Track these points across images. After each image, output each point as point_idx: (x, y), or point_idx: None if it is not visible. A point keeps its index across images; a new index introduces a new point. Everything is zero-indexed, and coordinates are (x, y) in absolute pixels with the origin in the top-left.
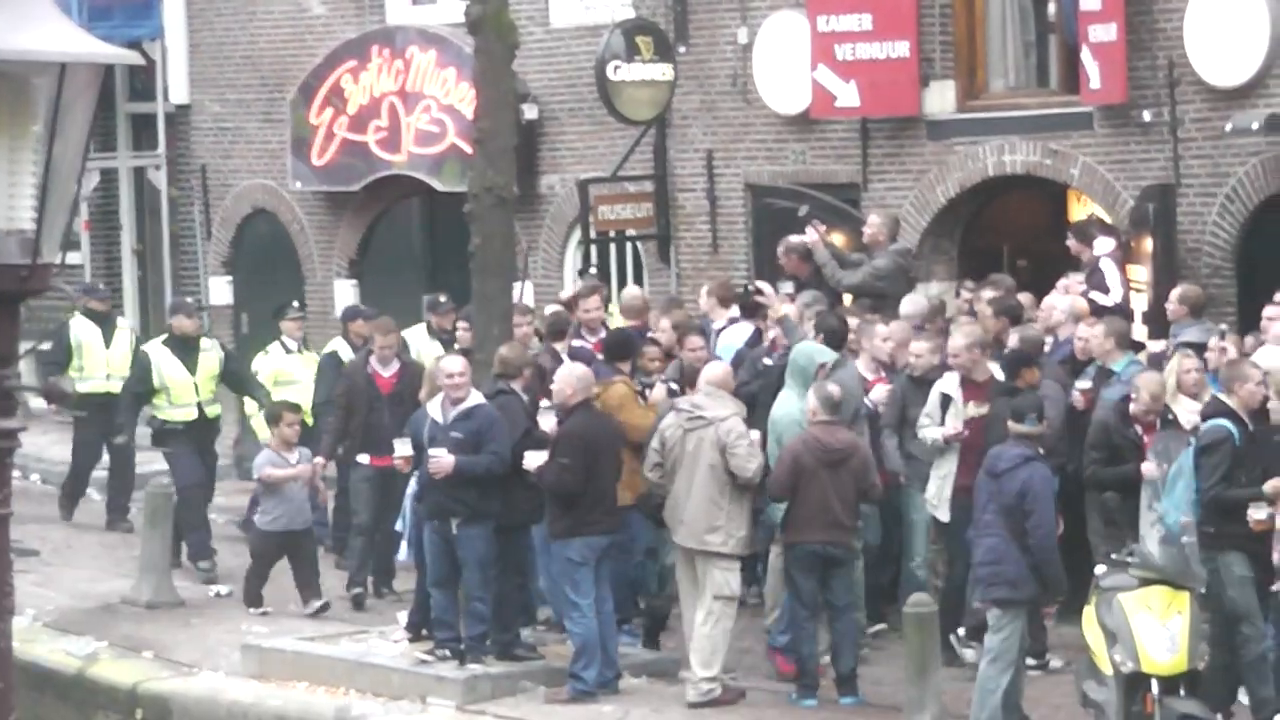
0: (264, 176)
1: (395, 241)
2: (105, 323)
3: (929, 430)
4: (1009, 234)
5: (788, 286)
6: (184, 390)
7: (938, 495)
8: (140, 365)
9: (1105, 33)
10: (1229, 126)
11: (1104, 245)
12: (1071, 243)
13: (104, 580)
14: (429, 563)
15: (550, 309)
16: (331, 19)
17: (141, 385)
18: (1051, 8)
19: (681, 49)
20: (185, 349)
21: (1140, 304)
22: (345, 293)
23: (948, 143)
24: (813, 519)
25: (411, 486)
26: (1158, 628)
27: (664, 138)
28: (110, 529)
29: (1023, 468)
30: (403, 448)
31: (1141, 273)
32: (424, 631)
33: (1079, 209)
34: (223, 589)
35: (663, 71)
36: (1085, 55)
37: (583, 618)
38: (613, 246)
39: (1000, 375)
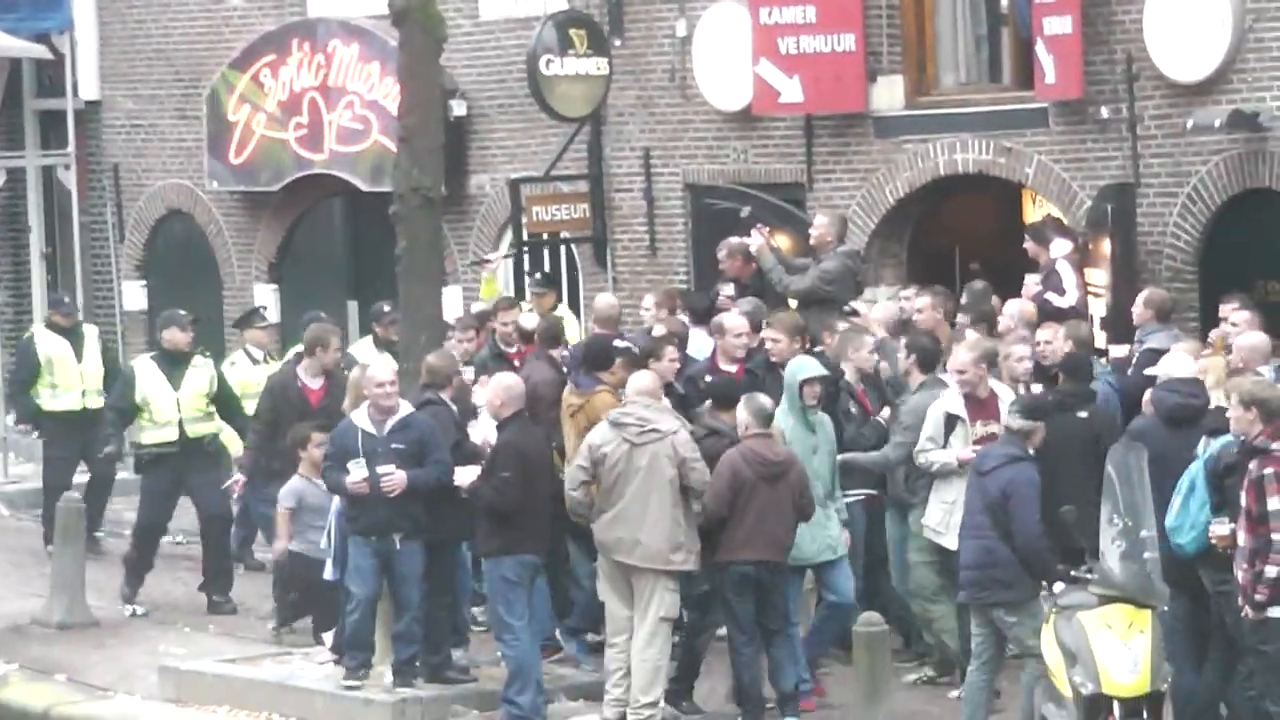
0: (179, 176)
1: (317, 244)
2: (72, 336)
3: (936, 454)
4: (961, 236)
5: (729, 289)
6: (165, 408)
7: (943, 522)
8: (124, 381)
9: (1061, 25)
10: (1190, 123)
11: (1061, 247)
12: (1029, 245)
13: (13, 600)
14: (362, 581)
15: (525, 317)
16: (249, 11)
17: (124, 401)
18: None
19: (617, 42)
20: (173, 364)
21: (1099, 309)
22: (265, 297)
23: (896, 140)
24: (751, 537)
25: (335, 502)
26: (1119, 647)
27: (599, 135)
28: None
29: (1007, 467)
30: (358, 470)
31: (1100, 276)
32: None
33: (1034, 210)
34: (139, 608)
35: (597, 66)
36: (1040, 49)
37: (516, 640)
38: (546, 249)
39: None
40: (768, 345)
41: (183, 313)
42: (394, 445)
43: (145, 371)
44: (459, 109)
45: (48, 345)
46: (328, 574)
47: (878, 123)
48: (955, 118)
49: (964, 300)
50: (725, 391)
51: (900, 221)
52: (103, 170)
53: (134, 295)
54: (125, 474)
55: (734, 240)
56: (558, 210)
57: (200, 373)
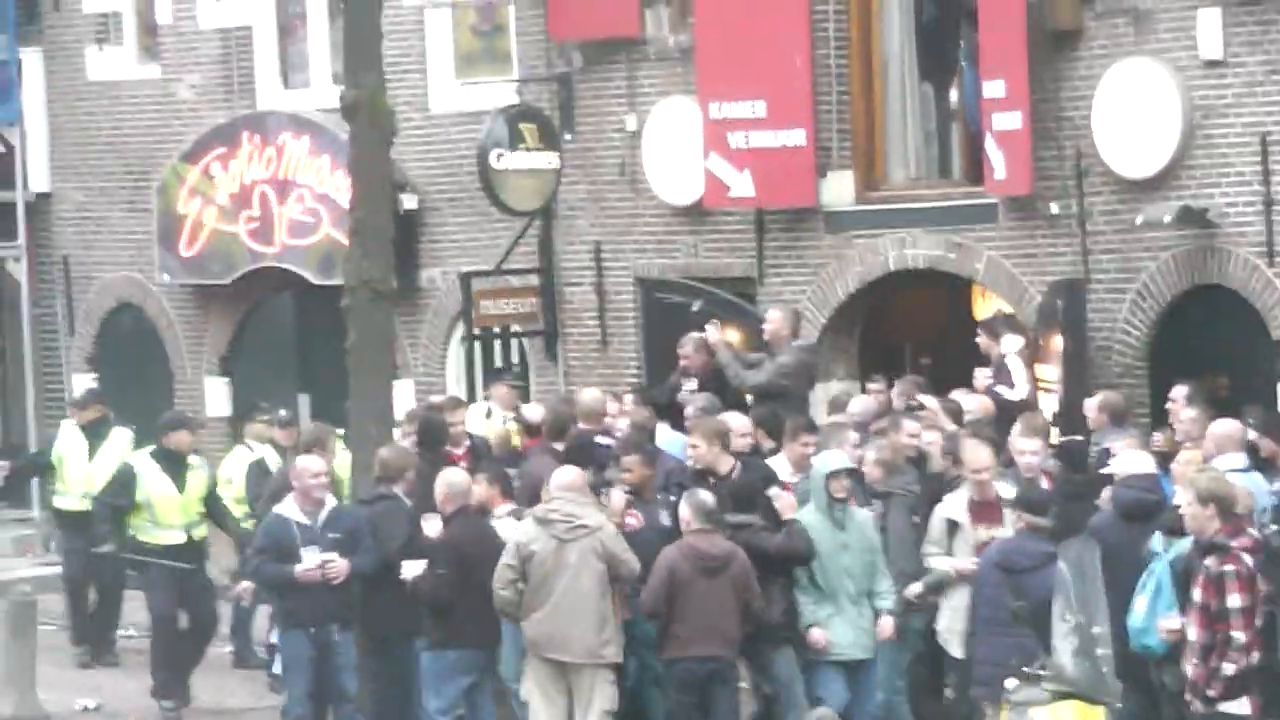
0: (129, 268)
1: (268, 337)
2: (96, 434)
3: (938, 561)
4: (911, 330)
5: (691, 384)
6: (171, 511)
7: (949, 629)
8: (122, 477)
9: (1010, 121)
10: (1140, 219)
11: (1012, 343)
12: (981, 339)
13: None
14: (300, 675)
15: (521, 409)
16: (199, 103)
17: (121, 499)
18: (954, 95)
19: (567, 136)
20: (175, 465)
21: (1050, 404)
22: (216, 391)
23: (847, 235)
24: (695, 632)
25: None
26: None
27: (549, 229)
28: (97, 662)
29: (1049, 567)
30: (312, 557)
31: (1050, 371)
32: None
33: (984, 304)
34: (90, 702)
35: (548, 160)
36: (989, 144)
37: None
38: (497, 343)
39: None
40: (688, 452)
41: (191, 415)
42: (330, 535)
43: (147, 471)
44: (409, 202)
45: (63, 442)
46: (276, 667)
47: (828, 217)
48: (905, 213)
49: (895, 393)
50: (746, 493)
51: (851, 316)
52: (53, 262)
53: (84, 388)
54: None
55: (696, 335)
56: (507, 304)
57: (199, 474)
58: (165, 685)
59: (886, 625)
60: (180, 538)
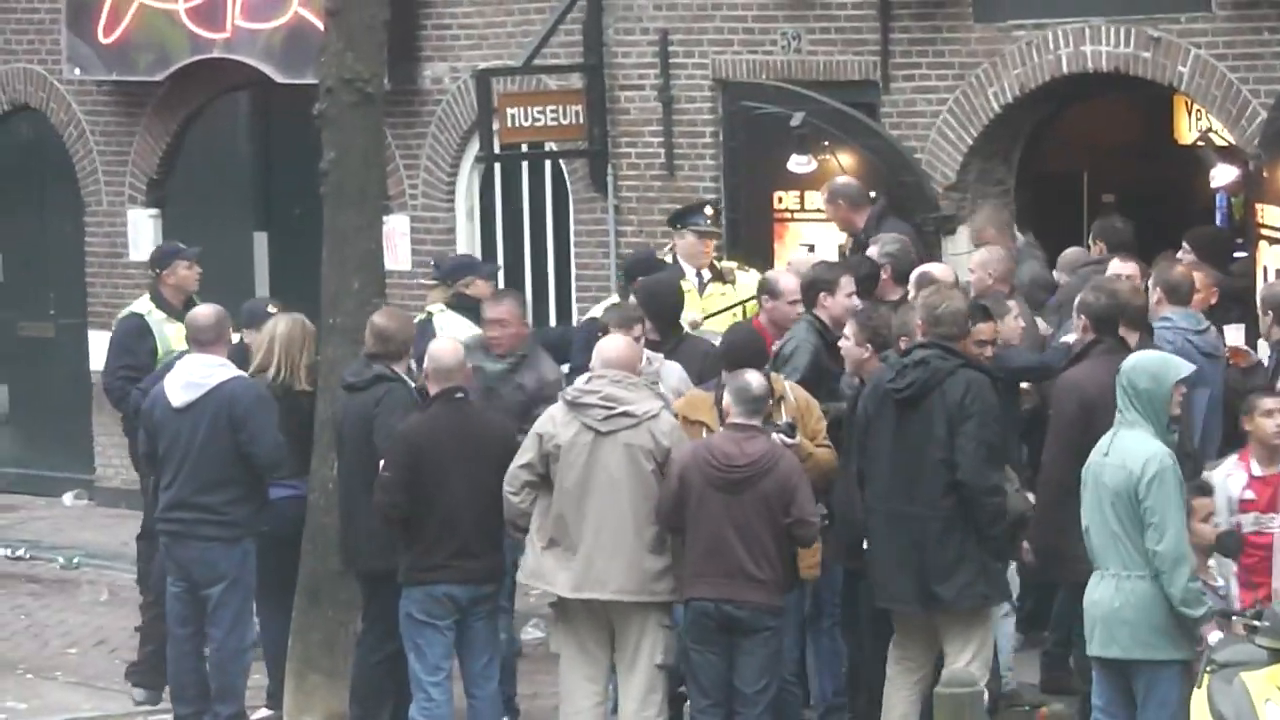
0: (27, 59)
1: (214, 155)
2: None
3: None
4: (1089, 157)
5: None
6: None
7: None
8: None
9: None
10: None
11: (1224, 174)
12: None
13: None
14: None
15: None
16: None
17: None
18: None
19: None
20: None
21: (1274, 259)
22: (143, 226)
23: (1003, 26)
24: (706, 565)
25: None
26: None
27: (599, 13)
28: None
29: None
30: None
31: (1277, 215)
32: None
33: (1189, 122)
34: None
35: None
36: None
37: (429, 701)
38: (525, 166)
39: None
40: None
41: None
42: None
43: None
44: None
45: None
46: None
47: (979, 1)
48: None
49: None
50: None
51: (1008, 136)
52: None
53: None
54: None
55: (839, 182)
56: (542, 113)
57: None
58: (139, 667)
59: None
60: None
